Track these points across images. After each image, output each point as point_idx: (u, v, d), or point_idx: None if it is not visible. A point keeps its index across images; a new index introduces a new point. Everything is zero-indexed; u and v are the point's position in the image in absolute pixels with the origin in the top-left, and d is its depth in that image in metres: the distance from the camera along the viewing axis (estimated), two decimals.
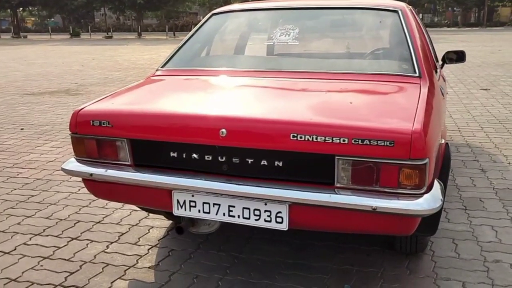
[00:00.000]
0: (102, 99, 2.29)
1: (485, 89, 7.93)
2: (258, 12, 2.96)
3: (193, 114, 1.98)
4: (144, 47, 23.68)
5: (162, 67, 2.72)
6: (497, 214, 3.02)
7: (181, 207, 2.00)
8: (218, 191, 1.89)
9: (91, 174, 2.08)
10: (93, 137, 2.08)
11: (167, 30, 39.64)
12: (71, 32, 41.79)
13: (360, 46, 2.64)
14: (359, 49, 2.59)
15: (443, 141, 2.27)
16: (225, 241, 2.71)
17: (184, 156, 1.96)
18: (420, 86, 2.14)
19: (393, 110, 1.94)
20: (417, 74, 2.24)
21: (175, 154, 1.97)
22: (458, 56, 3.63)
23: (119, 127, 2.02)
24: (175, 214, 2.02)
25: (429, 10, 59.65)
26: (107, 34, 40.81)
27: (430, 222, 2.05)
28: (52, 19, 57.87)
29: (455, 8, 54.88)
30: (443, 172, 2.18)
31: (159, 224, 2.96)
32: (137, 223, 2.99)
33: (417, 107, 1.86)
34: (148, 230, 2.89)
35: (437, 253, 2.54)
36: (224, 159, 1.90)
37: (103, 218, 3.08)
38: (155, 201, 2.10)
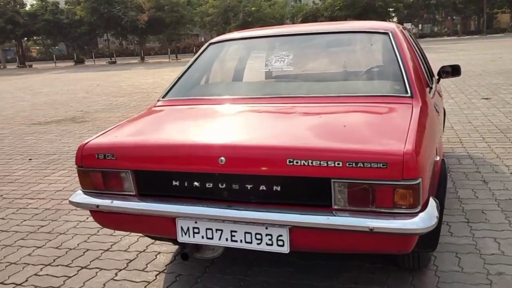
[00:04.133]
0: (106, 132, 2.37)
1: (486, 99, 7.98)
2: (253, 40, 3.06)
3: (193, 144, 2.05)
4: (147, 71, 23.98)
5: (163, 97, 2.81)
6: (500, 225, 3.05)
7: (185, 234, 2.06)
8: (219, 217, 1.95)
9: (98, 206, 2.16)
10: (99, 169, 2.16)
11: (169, 53, 40.15)
12: (75, 59, 42.44)
13: (353, 68, 2.72)
14: (351, 72, 2.67)
15: (438, 158, 2.32)
16: (231, 264, 2.76)
17: (186, 185, 2.03)
18: (412, 106, 2.20)
19: (385, 131, 2.00)
20: (409, 94, 2.31)
21: (177, 183, 2.04)
22: (453, 70, 3.71)
23: (122, 159, 2.10)
24: (179, 241, 2.08)
25: (429, 20, 59.99)
26: (111, 59, 41.39)
27: (430, 238, 2.09)
28: (57, 47, 58.81)
29: (454, 17, 55.20)
30: (439, 189, 2.22)
31: (166, 250, 3.01)
32: (145, 249, 3.04)
33: (409, 127, 1.93)
34: (156, 256, 2.95)
35: (441, 267, 2.57)
36: (224, 186, 1.96)
37: (111, 245, 3.14)
38: (160, 229, 2.16)
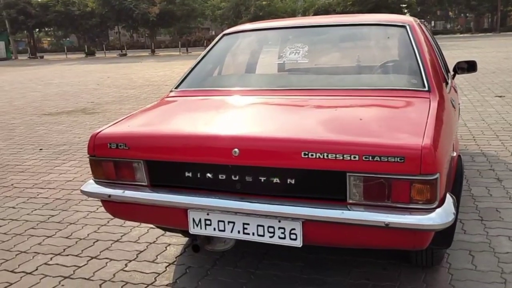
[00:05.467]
0: (119, 121, 2.36)
1: (500, 96, 7.87)
2: (268, 32, 3.02)
3: (206, 135, 2.03)
4: (157, 63, 24.01)
5: (175, 88, 2.79)
6: None
7: (197, 225, 2.04)
8: (232, 209, 1.93)
9: (110, 196, 2.14)
10: (111, 159, 2.14)
11: (180, 46, 40.16)
12: (86, 51, 42.62)
13: (369, 61, 2.68)
14: (368, 65, 2.62)
15: (454, 154, 2.28)
16: (241, 257, 2.74)
17: (198, 176, 2.01)
18: (430, 101, 2.16)
19: (403, 125, 1.96)
20: (426, 89, 2.26)
21: (190, 174, 2.02)
22: (469, 66, 3.64)
23: (135, 149, 2.08)
24: (191, 233, 2.07)
25: (442, 17, 59.37)
26: (121, 52, 41.51)
27: (445, 234, 2.05)
28: (68, 39, 59.12)
29: (467, 14, 54.58)
30: (456, 185, 2.18)
31: (176, 242, 3.01)
32: (155, 241, 3.03)
33: (426, 122, 1.89)
34: (166, 247, 2.94)
35: (454, 265, 2.54)
36: (237, 177, 1.94)
37: (121, 236, 3.13)
38: (171, 220, 2.15)
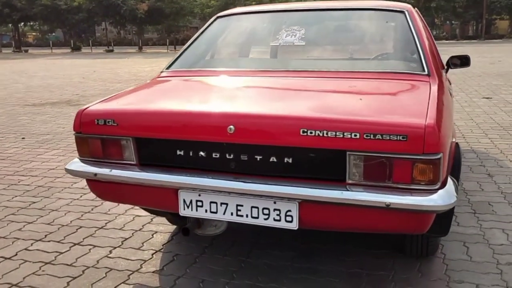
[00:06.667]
0: (107, 99, 2.25)
1: (487, 98, 7.91)
2: (263, 15, 2.94)
3: (201, 111, 1.94)
4: (145, 59, 23.77)
5: (167, 68, 2.69)
6: (507, 217, 2.97)
7: (188, 207, 1.95)
8: (225, 189, 1.84)
9: (96, 174, 2.04)
10: (98, 136, 2.04)
11: (167, 44, 39.86)
12: (72, 46, 42.04)
13: (368, 45, 2.61)
14: (367, 49, 2.56)
15: (454, 140, 2.22)
16: (231, 246, 2.66)
17: (191, 154, 1.91)
18: (430, 84, 2.10)
19: (405, 105, 1.90)
20: (426, 72, 2.21)
21: (181, 153, 1.93)
22: (462, 61, 3.60)
23: (124, 126, 1.98)
24: (181, 215, 1.97)
25: (428, 24, 59.93)
26: (108, 48, 41.03)
27: (443, 221, 2.00)
28: (53, 34, 58.24)
29: (453, 22, 55.24)
30: (454, 171, 2.13)
31: (163, 230, 2.91)
32: (141, 228, 2.93)
33: (428, 102, 1.83)
34: (152, 235, 2.84)
35: (448, 256, 2.49)
36: (232, 156, 1.85)
37: (106, 223, 3.02)
38: (160, 201, 2.05)
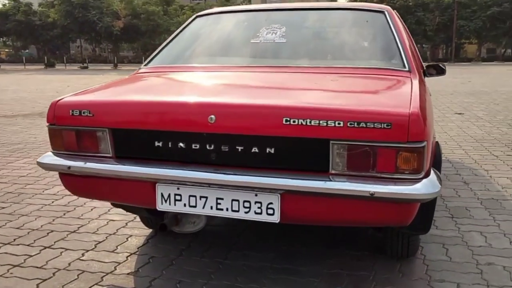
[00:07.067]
0: (82, 91, 2.18)
1: (459, 113, 8.09)
2: (242, 14, 2.93)
3: (180, 101, 1.89)
4: (120, 76, 23.37)
5: (145, 65, 2.64)
6: (484, 221, 2.98)
7: (166, 201, 1.88)
8: (205, 181, 1.78)
9: (69, 167, 1.95)
10: (72, 127, 1.96)
11: (143, 61, 39.61)
12: (46, 62, 41.38)
13: (349, 43, 2.62)
14: (348, 46, 2.56)
15: (435, 137, 2.23)
16: (208, 248, 2.59)
17: (169, 146, 1.85)
18: (411, 79, 2.11)
19: (388, 96, 1.89)
20: (407, 69, 2.22)
21: (160, 144, 1.86)
22: (437, 71, 3.65)
23: (100, 116, 1.91)
24: (158, 209, 1.90)
25: None
26: (83, 64, 40.56)
27: (423, 219, 1.99)
28: (27, 50, 57.27)
29: (423, 45, 56.83)
30: (435, 167, 2.12)
31: (138, 233, 2.81)
32: (115, 232, 2.83)
33: (411, 94, 1.82)
34: (127, 238, 2.74)
35: (428, 257, 2.47)
36: (212, 147, 1.80)
37: (78, 228, 2.91)
38: (137, 196, 1.97)
